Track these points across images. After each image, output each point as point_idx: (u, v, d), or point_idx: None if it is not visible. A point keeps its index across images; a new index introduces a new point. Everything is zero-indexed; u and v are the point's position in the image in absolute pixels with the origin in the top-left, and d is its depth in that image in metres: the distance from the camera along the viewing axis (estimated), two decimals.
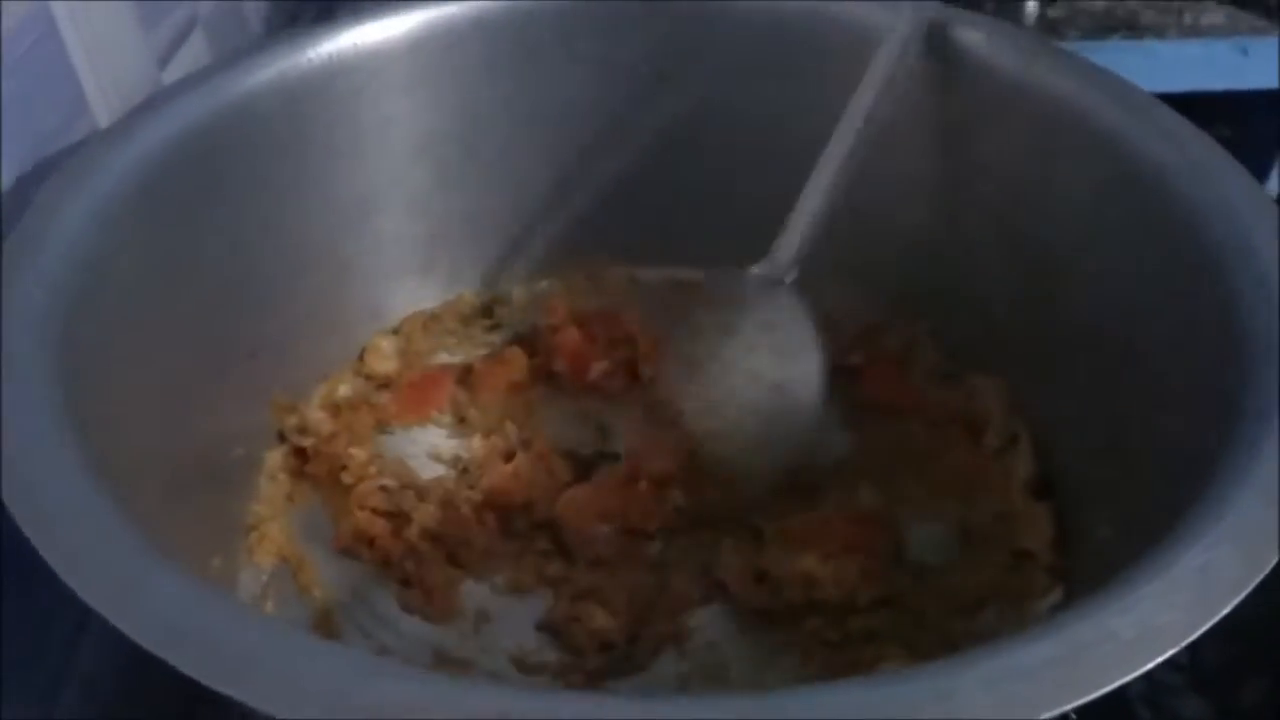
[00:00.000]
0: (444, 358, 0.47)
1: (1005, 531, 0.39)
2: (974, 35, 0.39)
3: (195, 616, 0.21)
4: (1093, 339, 0.37)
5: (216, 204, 0.37)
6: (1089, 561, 0.36)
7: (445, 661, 0.36)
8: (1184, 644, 0.20)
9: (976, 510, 0.40)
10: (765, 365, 0.39)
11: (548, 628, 0.37)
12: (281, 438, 0.42)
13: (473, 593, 0.38)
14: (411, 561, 0.38)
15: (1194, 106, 0.36)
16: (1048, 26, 0.86)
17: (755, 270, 0.40)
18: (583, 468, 0.41)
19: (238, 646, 0.20)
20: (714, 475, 0.40)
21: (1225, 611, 0.21)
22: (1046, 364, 0.40)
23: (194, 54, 0.51)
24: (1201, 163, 0.33)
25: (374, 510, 0.39)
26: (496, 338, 0.48)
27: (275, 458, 0.42)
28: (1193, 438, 0.30)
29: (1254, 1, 0.88)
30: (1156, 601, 0.21)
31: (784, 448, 0.39)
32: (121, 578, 0.22)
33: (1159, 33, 0.85)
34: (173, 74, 0.47)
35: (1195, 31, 0.84)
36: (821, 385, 0.39)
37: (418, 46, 0.42)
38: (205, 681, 0.20)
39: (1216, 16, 0.87)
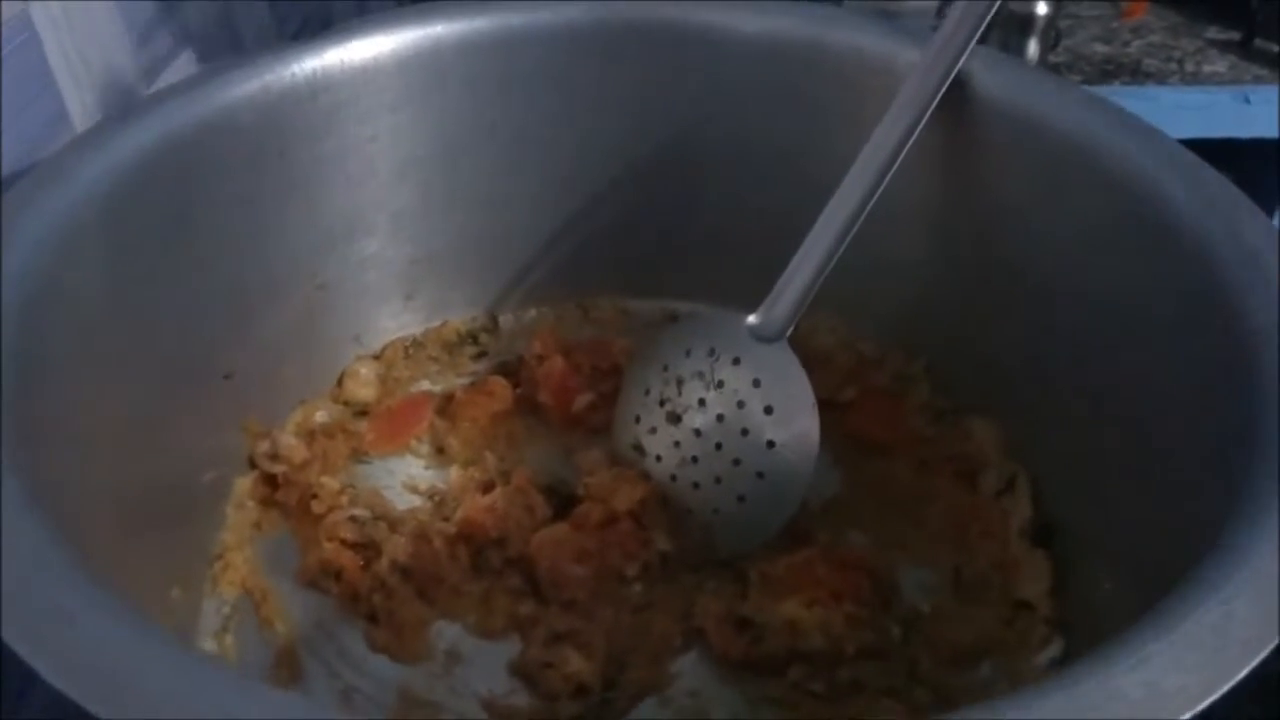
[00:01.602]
0: (425, 385, 0.46)
1: (1002, 580, 0.37)
2: (983, 70, 0.38)
3: (120, 658, 0.19)
4: (1096, 380, 0.36)
5: (191, 219, 0.36)
6: (1090, 614, 0.34)
7: (412, 704, 0.35)
8: (1199, 709, 0.18)
9: (971, 557, 0.38)
10: (756, 423, 0.38)
11: (520, 672, 0.35)
12: (253, 463, 0.40)
13: (444, 632, 0.37)
14: (380, 596, 0.37)
15: (1195, 153, 0.35)
16: (1049, 70, 0.86)
17: (751, 321, 0.39)
18: (563, 504, 0.39)
19: (166, 694, 0.18)
20: (693, 529, 0.38)
21: (1243, 674, 0.19)
22: (1047, 405, 0.38)
23: (184, 69, 0.50)
24: (1213, 199, 0.32)
25: (343, 541, 0.38)
26: (481, 366, 0.47)
27: (245, 484, 0.40)
28: (1202, 484, 0.28)
29: (1256, 51, 0.88)
30: (1167, 660, 0.19)
31: (775, 511, 0.38)
32: (47, 613, 0.20)
33: (1161, 79, 0.85)
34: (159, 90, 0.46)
35: (1197, 79, 0.84)
36: (816, 448, 0.37)
37: (404, 66, 0.41)
38: None
39: (1218, 65, 0.86)
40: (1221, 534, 0.23)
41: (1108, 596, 0.33)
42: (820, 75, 0.42)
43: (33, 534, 0.23)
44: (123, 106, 0.37)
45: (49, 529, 0.23)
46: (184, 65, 0.50)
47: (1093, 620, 0.34)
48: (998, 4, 0.35)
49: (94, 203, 0.32)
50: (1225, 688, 0.19)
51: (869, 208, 0.37)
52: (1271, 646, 0.20)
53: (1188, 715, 0.18)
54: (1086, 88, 0.39)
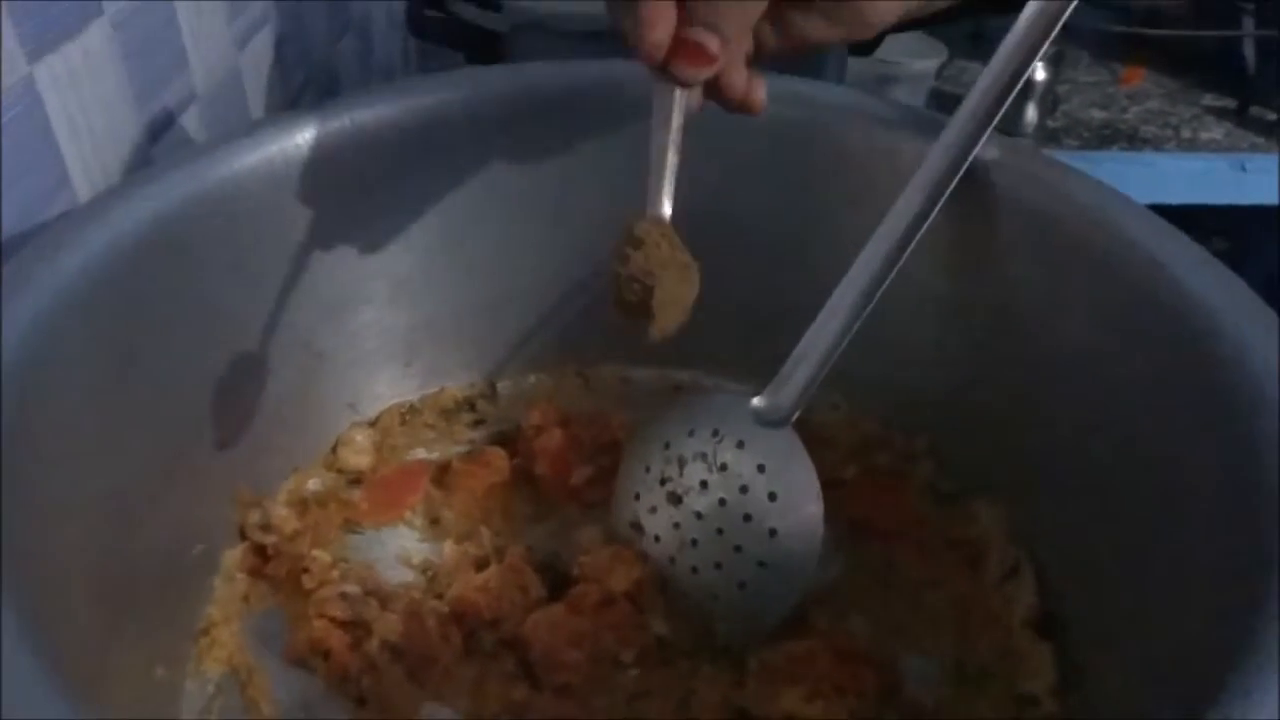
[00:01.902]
0: (421, 454, 0.45)
1: (1005, 671, 0.36)
2: (994, 157, 0.38)
3: None
4: (1105, 468, 0.35)
5: (190, 288, 0.36)
6: (1097, 709, 0.33)
7: None
8: None
9: (974, 646, 0.37)
10: (760, 510, 0.37)
11: None
12: (243, 534, 0.40)
13: (434, 716, 0.36)
14: (369, 679, 0.36)
15: (1192, 219, 0.35)
16: (1047, 136, 0.87)
17: (756, 404, 0.38)
18: (558, 583, 0.38)
19: None
20: (691, 615, 0.38)
21: None
22: (1053, 490, 0.38)
23: (189, 128, 0.50)
24: (1227, 301, 0.32)
25: (333, 619, 0.37)
26: (478, 434, 0.46)
27: (234, 556, 0.39)
28: (1217, 577, 0.28)
29: (1252, 118, 0.89)
30: None
31: (776, 600, 0.37)
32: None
33: (1158, 145, 0.86)
34: (165, 150, 0.46)
35: (1194, 146, 0.85)
36: (820, 538, 0.37)
37: (408, 135, 0.40)
38: None
39: (1215, 132, 0.87)
40: (1245, 638, 0.23)
41: (1117, 691, 0.33)
42: (827, 157, 0.42)
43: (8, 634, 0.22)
44: (126, 170, 0.36)
45: (27, 627, 0.23)
46: (189, 123, 0.50)
47: (1101, 716, 0.33)
48: (1011, 97, 0.35)
49: (92, 276, 0.32)
50: None
51: (880, 293, 0.36)
52: None
53: None
54: (1089, 160, 0.38)
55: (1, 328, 0.29)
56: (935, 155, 0.37)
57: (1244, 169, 0.84)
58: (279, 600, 0.39)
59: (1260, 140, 0.86)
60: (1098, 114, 0.91)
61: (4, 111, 0.36)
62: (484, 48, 0.63)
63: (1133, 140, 0.87)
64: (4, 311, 0.29)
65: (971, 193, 0.38)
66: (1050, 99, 0.86)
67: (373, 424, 0.45)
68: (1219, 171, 0.85)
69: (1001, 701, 0.35)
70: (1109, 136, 0.87)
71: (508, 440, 0.45)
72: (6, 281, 0.30)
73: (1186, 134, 0.88)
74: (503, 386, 0.48)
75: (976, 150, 0.37)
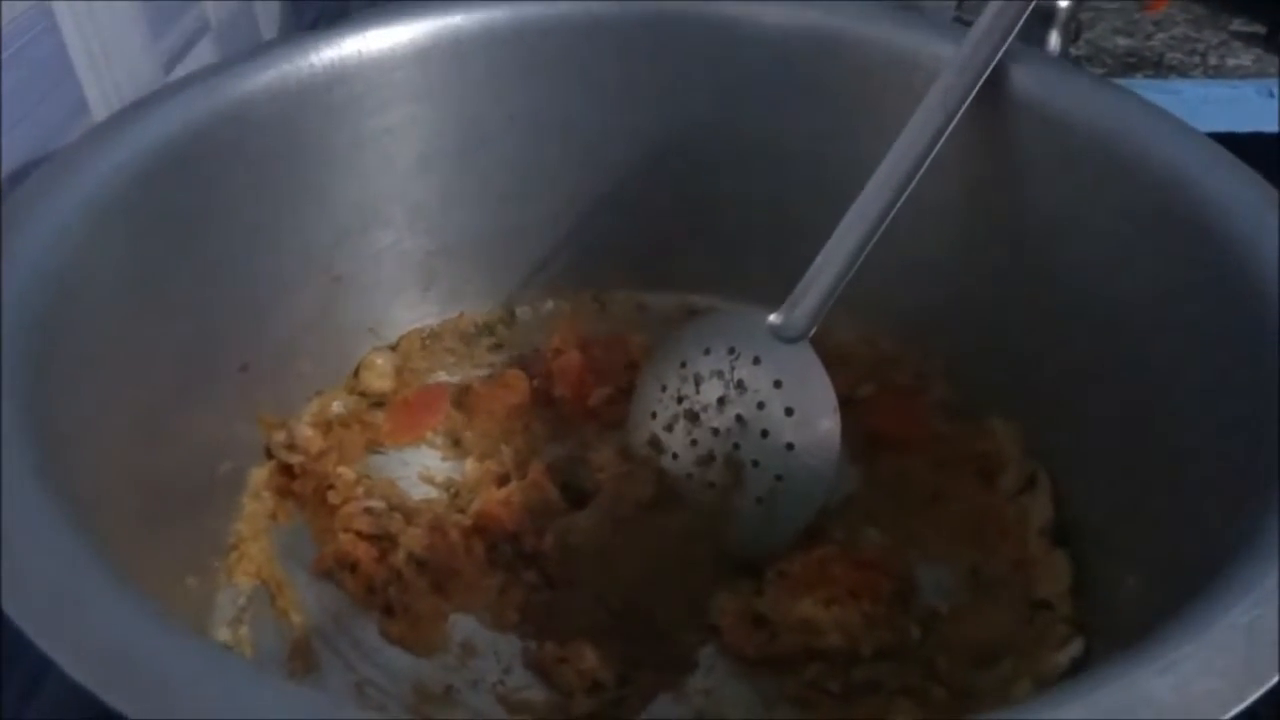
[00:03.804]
0: (442, 377, 0.46)
1: (1021, 579, 0.37)
2: (1014, 66, 0.37)
3: (139, 649, 0.19)
4: (1121, 380, 0.35)
5: (208, 210, 0.36)
6: (1112, 614, 0.34)
7: (426, 697, 0.34)
8: (1232, 713, 0.18)
9: (990, 556, 0.38)
10: (776, 425, 0.37)
11: (535, 666, 0.35)
12: (269, 454, 0.40)
13: (459, 624, 0.37)
14: (395, 589, 0.36)
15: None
16: (1078, 65, 0.85)
17: (772, 320, 0.38)
18: (579, 498, 0.39)
19: (179, 680, 0.18)
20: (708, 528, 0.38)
21: (1275, 680, 0.19)
22: (1069, 404, 0.38)
23: (202, 59, 0.50)
24: (1249, 201, 0.32)
25: (358, 533, 0.38)
26: (498, 358, 0.46)
27: (261, 475, 0.40)
28: (1228, 484, 0.28)
29: None
30: (1197, 664, 0.19)
31: (793, 514, 0.37)
32: (63, 598, 0.20)
33: (1184, 72, 0.84)
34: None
35: (1221, 72, 0.83)
36: (837, 452, 0.37)
37: (422, 56, 0.40)
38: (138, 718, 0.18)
39: (1243, 58, 0.85)
40: (1250, 537, 0.23)
41: (1129, 596, 0.33)
42: (843, 69, 0.41)
43: (52, 525, 0.23)
44: (140, 96, 0.36)
45: (68, 520, 0.23)
46: (202, 54, 0.50)
47: (1113, 620, 0.33)
48: (1031, 6, 0.35)
49: (110, 193, 0.32)
50: (1257, 693, 0.18)
51: (896, 209, 0.36)
52: None
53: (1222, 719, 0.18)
54: (1117, 82, 0.38)
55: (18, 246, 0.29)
56: (953, 67, 0.36)
57: (1272, 95, 0.82)
58: (305, 517, 0.40)
59: None
60: (1122, 41, 0.89)
61: (23, 33, 0.36)
62: None
63: (1158, 67, 0.85)
64: (26, 226, 0.30)
65: (990, 103, 0.37)
66: (1074, 26, 0.84)
67: (393, 348, 0.45)
68: (1246, 98, 0.82)
69: (1016, 607, 0.36)
70: (1134, 64, 0.85)
71: (527, 363, 0.45)
72: (26, 198, 0.31)
73: (1214, 60, 0.86)
74: (521, 312, 0.48)
75: (995, 61, 0.36)
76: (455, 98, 0.42)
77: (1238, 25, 0.90)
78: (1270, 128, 0.82)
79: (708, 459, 0.39)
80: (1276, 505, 0.23)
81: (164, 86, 0.37)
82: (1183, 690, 0.18)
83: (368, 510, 0.38)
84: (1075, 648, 0.34)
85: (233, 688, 0.19)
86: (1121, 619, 0.33)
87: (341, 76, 0.39)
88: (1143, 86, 0.84)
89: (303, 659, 0.35)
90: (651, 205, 0.46)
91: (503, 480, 0.40)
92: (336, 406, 0.43)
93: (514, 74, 0.42)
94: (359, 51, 0.39)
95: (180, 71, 0.47)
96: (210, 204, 0.36)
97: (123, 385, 0.32)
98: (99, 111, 0.41)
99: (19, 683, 0.34)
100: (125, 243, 0.33)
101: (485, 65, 0.42)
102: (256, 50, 0.38)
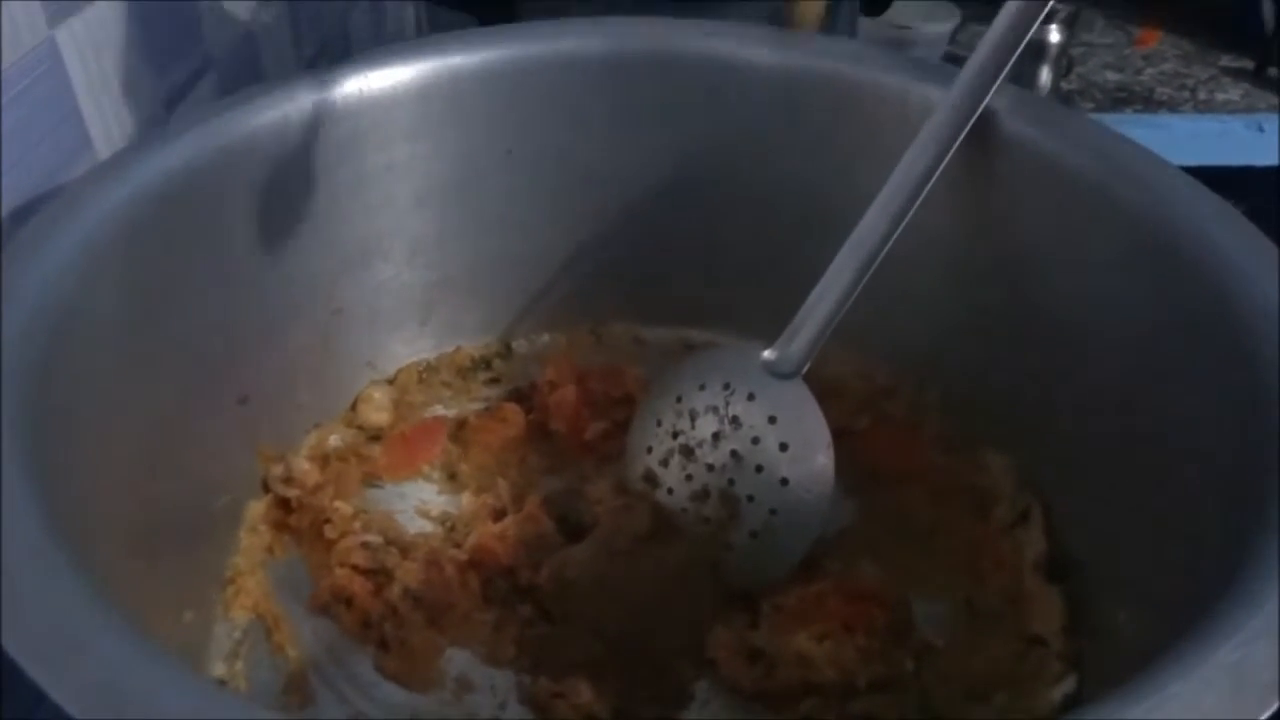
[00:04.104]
0: (439, 410, 0.46)
1: (1015, 614, 0.37)
2: (1005, 106, 0.38)
3: (135, 684, 0.19)
4: (1113, 414, 0.35)
5: (209, 246, 0.37)
6: (1105, 650, 0.34)
7: None
8: None
9: (984, 589, 0.38)
10: (771, 460, 0.38)
11: (531, 701, 0.35)
12: (266, 487, 0.41)
13: (455, 659, 0.37)
14: (391, 624, 0.37)
15: (1207, 182, 0.35)
16: (1061, 98, 0.86)
17: (766, 356, 0.39)
18: (573, 532, 0.39)
19: (171, 716, 0.19)
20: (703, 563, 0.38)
21: (1264, 717, 0.19)
22: (1062, 438, 0.38)
23: (205, 97, 0.50)
24: (1232, 243, 0.32)
25: (355, 568, 0.38)
26: (494, 392, 0.47)
27: (258, 509, 0.40)
28: (1222, 522, 0.28)
29: (1270, 79, 0.88)
30: (1185, 702, 0.19)
31: (788, 548, 0.38)
32: (60, 634, 0.20)
33: (1173, 107, 0.85)
34: (181, 117, 0.47)
35: (1210, 107, 0.84)
36: (831, 487, 0.37)
37: (422, 95, 0.41)
38: None
39: (1231, 93, 0.87)
40: (1240, 574, 0.23)
41: (1122, 633, 0.33)
42: (837, 108, 0.42)
43: (51, 560, 0.23)
44: (145, 133, 0.37)
45: (67, 554, 0.24)
46: (205, 92, 0.51)
47: (1107, 656, 0.34)
48: (1024, 44, 0.35)
49: (114, 230, 0.33)
50: None
51: (889, 245, 0.37)
52: None
53: None
54: (1104, 122, 0.38)
55: (26, 280, 0.30)
56: (945, 106, 0.37)
57: (1261, 129, 0.84)
58: (302, 551, 0.40)
59: (1277, 100, 0.86)
60: (1113, 76, 0.90)
61: (28, 71, 0.37)
62: (496, 10, 0.63)
63: (1148, 102, 0.87)
64: (28, 262, 0.30)
65: (983, 141, 0.38)
66: (1065, 61, 0.86)
67: (391, 381, 0.46)
68: (1235, 132, 0.84)
69: (1011, 642, 0.36)
70: (1124, 99, 0.87)
71: (523, 397, 0.45)
72: (32, 236, 0.31)
73: (1203, 95, 0.87)
74: (518, 345, 0.48)
75: (987, 100, 0.37)
76: (454, 134, 0.42)
77: (1226, 61, 0.91)
78: (1258, 161, 0.83)
79: (703, 494, 0.39)
80: (1267, 542, 0.24)
81: (168, 126, 0.37)
82: None
83: (364, 545, 0.38)
84: (1068, 684, 0.34)
85: None
86: (1114, 655, 0.33)
87: (343, 114, 0.39)
88: (1133, 121, 0.86)
89: (298, 693, 0.35)
90: (647, 240, 0.47)
91: (499, 514, 0.40)
92: (334, 440, 0.43)
93: (511, 111, 0.43)
94: (360, 90, 0.40)
95: (183, 109, 0.48)
96: (211, 239, 0.37)
97: (122, 419, 0.32)
98: (102, 148, 0.42)
99: (29, 683, 0.34)
100: (126, 279, 0.33)
101: (483, 103, 0.42)
102: (259, 88, 0.39)
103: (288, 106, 0.38)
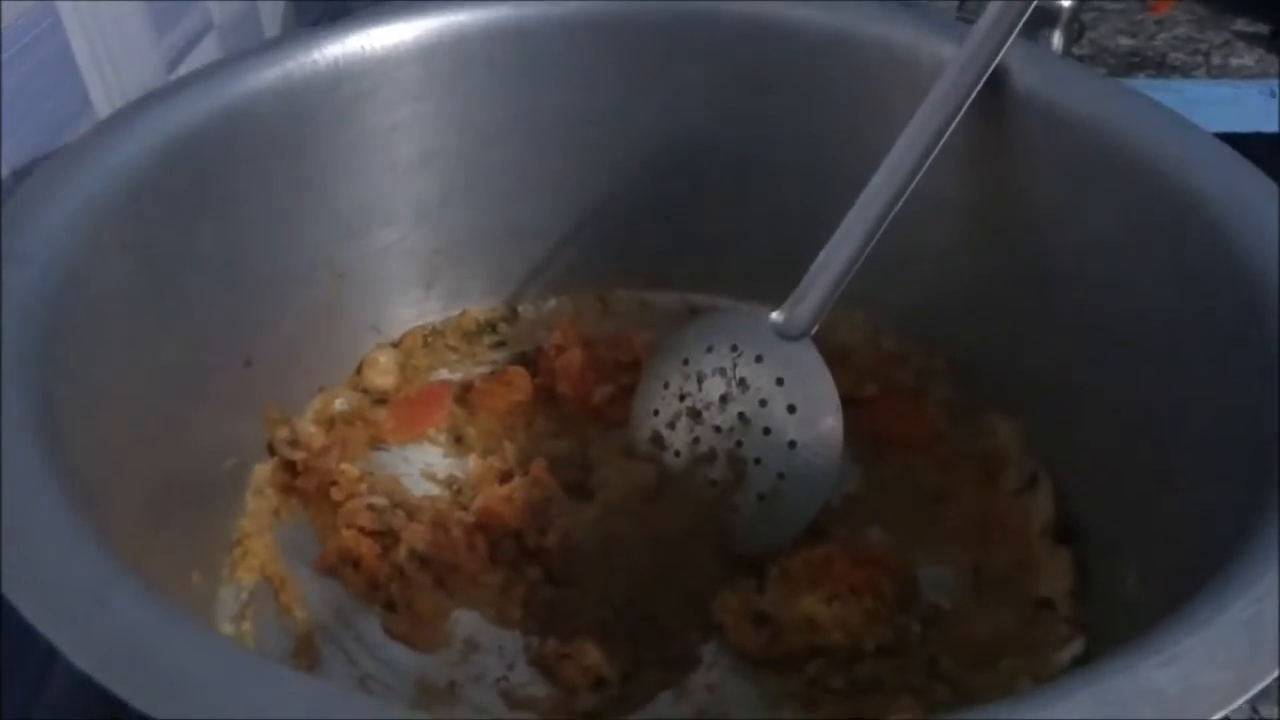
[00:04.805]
0: (444, 374, 0.46)
1: (1023, 578, 0.37)
2: (1018, 64, 0.37)
3: (147, 641, 0.19)
4: (1121, 377, 0.35)
5: (212, 207, 0.36)
6: (1113, 613, 0.34)
7: (429, 692, 0.35)
8: (1235, 705, 0.18)
9: (992, 555, 0.38)
10: (779, 423, 0.37)
11: (538, 662, 0.35)
12: (272, 450, 0.41)
13: (462, 621, 0.37)
14: (398, 585, 0.37)
15: None
16: (1081, 64, 0.85)
17: (774, 318, 0.38)
18: (581, 495, 0.39)
19: (189, 673, 0.18)
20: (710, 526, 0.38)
21: (1277, 673, 0.19)
22: (1070, 403, 0.38)
23: (206, 57, 0.50)
24: (1247, 196, 0.32)
25: (361, 529, 0.38)
26: (499, 356, 0.47)
27: (264, 471, 0.40)
28: (1230, 484, 0.28)
29: None
30: (1200, 657, 0.19)
31: (796, 512, 0.37)
32: (69, 590, 0.20)
33: (1187, 72, 0.84)
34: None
35: (1224, 72, 0.83)
36: (839, 450, 0.37)
37: (426, 55, 0.40)
38: (148, 711, 0.18)
39: (1246, 58, 0.85)
40: (1250, 533, 0.23)
41: (1130, 596, 0.33)
42: (845, 68, 0.41)
43: (58, 520, 0.23)
44: (145, 93, 0.36)
45: (74, 515, 0.23)
46: (206, 53, 0.51)
47: (1114, 620, 0.33)
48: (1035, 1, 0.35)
49: (115, 189, 0.32)
50: (1260, 685, 0.18)
51: (898, 207, 0.36)
52: None
53: (1221, 714, 0.18)
54: (1123, 84, 0.38)
55: (28, 240, 0.29)
56: (957, 64, 0.36)
57: (1275, 95, 0.82)
58: (308, 513, 0.40)
59: None
60: (1125, 41, 0.89)
61: (26, 31, 0.37)
62: None
63: (1161, 67, 0.85)
64: (29, 223, 0.30)
65: (993, 100, 0.37)
66: (1076, 26, 0.84)
67: (396, 345, 0.46)
68: (1249, 98, 0.82)
69: (1018, 606, 0.36)
70: (1137, 64, 0.85)
71: (529, 361, 0.45)
72: (32, 193, 0.31)
73: (1216, 61, 0.86)
74: (523, 309, 0.48)
75: (998, 59, 0.36)
76: (458, 96, 0.42)
77: (1240, 25, 0.89)
78: (1272, 128, 0.82)
79: (710, 456, 0.39)
80: (1276, 503, 0.23)
81: (168, 83, 0.37)
82: (1186, 682, 0.18)
83: (370, 507, 0.38)
84: (1076, 647, 0.34)
85: (239, 677, 0.19)
86: (1122, 618, 0.33)
87: (346, 74, 0.39)
88: (1145, 86, 0.84)
89: (306, 654, 0.35)
90: (654, 203, 0.46)
91: (505, 477, 0.40)
92: (339, 403, 0.43)
93: (517, 72, 0.42)
94: (363, 49, 0.39)
95: (184, 70, 0.48)
96: (214, 200, 0.36)
97: (127, 381, 0.32)
98: (102, 110, 0.42)
99: (24, 682, 0.34)
100: (129, 239, 0.33)
101: (488, 63, 0.42)
102: (260, 47, 0.38)
103: (289, 65, 0.38)
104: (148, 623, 0.20)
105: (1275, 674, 0.19)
